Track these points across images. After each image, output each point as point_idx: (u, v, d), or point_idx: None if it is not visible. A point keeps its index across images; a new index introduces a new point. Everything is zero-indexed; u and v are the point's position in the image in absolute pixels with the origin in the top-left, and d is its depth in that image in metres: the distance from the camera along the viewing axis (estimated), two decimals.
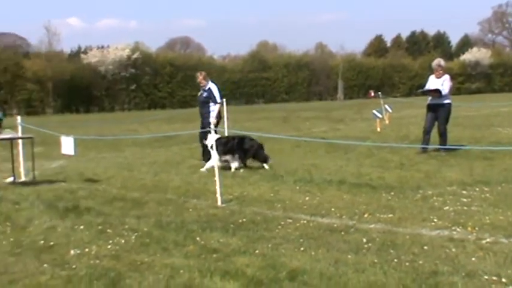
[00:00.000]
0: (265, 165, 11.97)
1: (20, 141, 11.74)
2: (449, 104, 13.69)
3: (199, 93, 13.46)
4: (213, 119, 12.79)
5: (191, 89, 59.66)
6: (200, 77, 13.20)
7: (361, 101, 56.48)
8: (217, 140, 11.75)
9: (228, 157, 11.99)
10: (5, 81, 51.77)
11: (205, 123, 12.78)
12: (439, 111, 13.61)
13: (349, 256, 5.70)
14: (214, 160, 10.77)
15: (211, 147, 11.40)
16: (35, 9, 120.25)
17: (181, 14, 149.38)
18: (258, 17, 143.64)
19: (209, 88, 13.07)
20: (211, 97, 12.99)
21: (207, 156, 12.25)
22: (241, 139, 12.19)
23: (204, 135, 12.33)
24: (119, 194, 9.55)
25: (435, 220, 7.03)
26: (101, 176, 11.71)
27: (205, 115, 13.05)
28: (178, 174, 11.65)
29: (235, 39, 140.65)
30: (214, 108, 12.99)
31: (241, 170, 11.73)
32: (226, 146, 11.97)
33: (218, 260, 5.74)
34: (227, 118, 18.35)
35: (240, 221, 7.36)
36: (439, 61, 14.00)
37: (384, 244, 6.09)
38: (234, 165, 11.93)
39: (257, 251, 5.96)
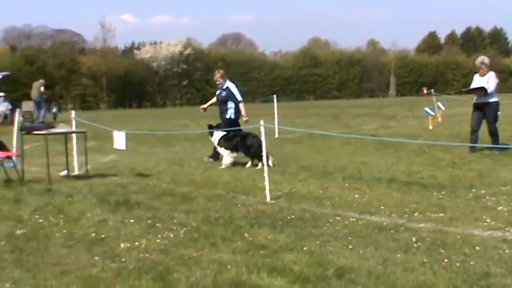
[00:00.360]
0: (260, 164, 11.76)
1: (73, 135, 11.98)
2: (496, 102, 13.34)
3: (217, 92, 13.46)
4: (244, 116, 13.10)
5: (242, 85, 59.71)
6: (218, 75, 13.31)
7: (413, 98, 55.71)
8: (222, 137, 12.14)
9: (234, 154, 12.23)
10: (61, 77, 52.86)
11: (224, 121, 12.90)
12: (486, 111, 13.28)
13: (398, 255, 5.63)
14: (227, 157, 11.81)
15: (218, 144, 12.03)
16: (91, 6, 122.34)
17: (233, 11, 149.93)
18: (310, 13, 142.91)
19: (227, 87, 13.15)
20: (230, 96, 13.07)
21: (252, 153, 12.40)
22: (244, 136, 12.25)
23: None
24: (169, 189, 9.65)
25: (488, 220, 6.89)
26: (151, 170, 11.85)
27: (223, 113, 13.13)
28: (227, 169, 11.70)
29: (287, 35, 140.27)
30: (240, 107, 13.08)
31: (259, 165, 11.66)
32: (231, 142, 12.12)
33: (266, 256, 5.75)
34: (277, 114, 18.37)
35: (289, 217, 7.36)
36: (482, 59, 13.66)
37: (434, 244, 6.00)
38: (226, 161, 12.14)
39: (305, 248, 5.94)
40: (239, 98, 13.10)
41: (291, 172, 11.09)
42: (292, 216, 7.39)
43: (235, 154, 12.15)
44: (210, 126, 12.81)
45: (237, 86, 13.36)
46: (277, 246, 6.06)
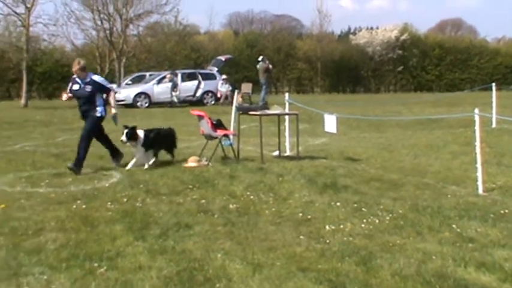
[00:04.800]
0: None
1: (286, 117, 12.32)
2: None
3: (75, 87, 10.73)
4: (114, 108, 10.93)
5: (460, 72, 57.50)
6: (77, 66, 10.61)
7: None
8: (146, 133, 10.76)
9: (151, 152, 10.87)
10: (278, 60, 54.53)
11: (92, 121, 10.65)
12: None
13: None
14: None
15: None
16: None
17: None
18: None
19: (92, 80, 10.63)
20: (99, 89, 10.70)
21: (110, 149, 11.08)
22: (159, 131, 11.15)
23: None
24: (377, 175, 9.59)
25: None
26: (360, 155, 11.86)
27: (90, 111, 10.65)
28: (438, 158, 11.34)
29: None
30: (111, 97, 10.97)
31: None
32: (152, 139, 10.78)
33: (474, 250, 5.52)
34: (496, 104, 17.40)
35: (502, 211, 6.96)
36: None
37: None
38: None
39: None
40: (111, 86, 11.17)
41: (507, 164, 10.46)
42: (506, 211, 6.99)
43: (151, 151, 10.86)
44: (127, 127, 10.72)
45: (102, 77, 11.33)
46: (488, 241, 5.78)
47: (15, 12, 34.75)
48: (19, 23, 35.43)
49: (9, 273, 5.12)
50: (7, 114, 26.57)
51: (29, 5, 34.41)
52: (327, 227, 6.41)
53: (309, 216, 6.91)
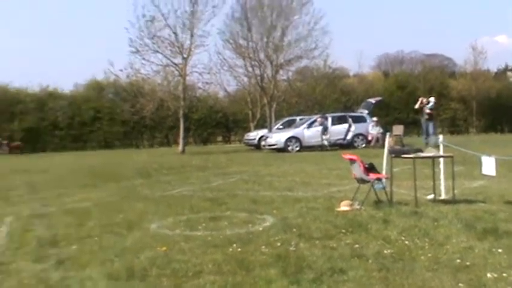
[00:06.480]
0: None
1: (441, 159, 11.96)
2: None
3: None
4: None
5: None
6: None
7: None
8: None
9: None
10: None
11: None
12: None
13: None
14: None
15: None
16: (463, 30, 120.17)
17: None
18: None
19: None
20: None
21: None
22: None
23: None
24: None
25: None
26: None
27: None
28: None
29: None
30: None
31: None
32: None
33: None
34: None
35: None
36: None
37: None
38: None
39: None
40: None
41: None
42: None
43: None
44: None
45: None
46: None
47: (174, 63, 36.83)
48: (176, 72, 37.40)
49: None
50: (166, 160, 27.99)
51: (185, 56, 36.37)
52: (489, 275, 6.10)
53: (468, 263, 6.61)
